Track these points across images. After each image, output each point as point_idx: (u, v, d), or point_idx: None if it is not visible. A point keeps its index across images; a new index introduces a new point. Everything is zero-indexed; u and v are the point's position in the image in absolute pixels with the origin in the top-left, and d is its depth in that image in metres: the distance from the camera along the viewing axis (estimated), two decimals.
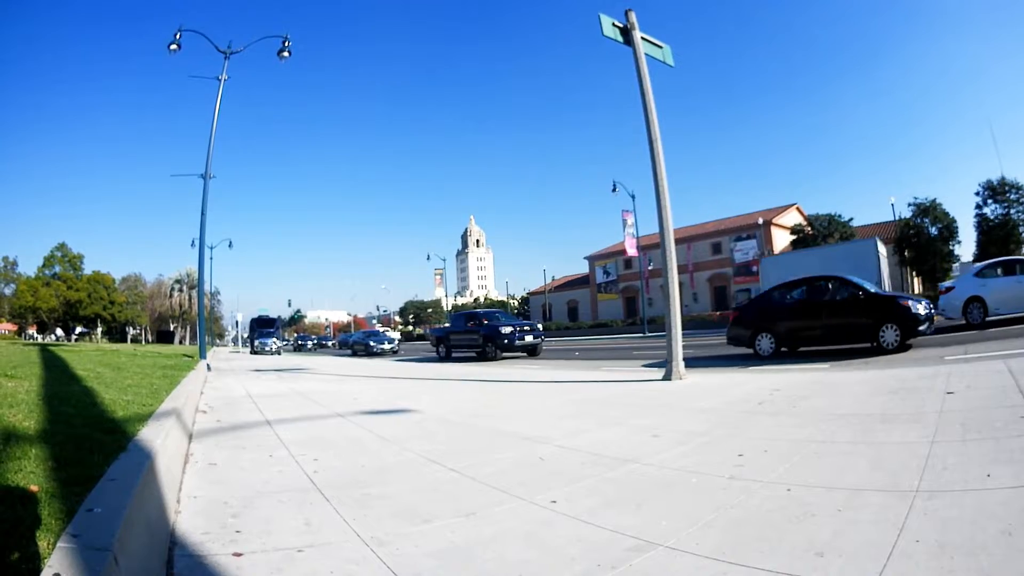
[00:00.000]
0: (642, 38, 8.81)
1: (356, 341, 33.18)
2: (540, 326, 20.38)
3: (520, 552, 2.28)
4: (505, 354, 18.02)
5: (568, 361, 15.56)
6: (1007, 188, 32.08)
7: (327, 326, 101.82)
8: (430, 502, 2.96)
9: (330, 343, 59.01)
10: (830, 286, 11.01)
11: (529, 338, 18.09)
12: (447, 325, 24.60)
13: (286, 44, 16.61)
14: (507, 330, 17.71)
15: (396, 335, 44.12)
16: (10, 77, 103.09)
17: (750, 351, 11.42)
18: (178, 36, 16.15)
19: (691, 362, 8.79)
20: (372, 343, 30.06)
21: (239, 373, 14.37)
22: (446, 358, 19.65)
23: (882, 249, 23.52)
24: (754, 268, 46.25)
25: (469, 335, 18.85)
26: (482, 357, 17.86)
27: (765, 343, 11.08)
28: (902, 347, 9.63)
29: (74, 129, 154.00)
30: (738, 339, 11.80)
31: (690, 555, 2.13)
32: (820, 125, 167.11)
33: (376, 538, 2.45)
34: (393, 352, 29.19)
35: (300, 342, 54.18)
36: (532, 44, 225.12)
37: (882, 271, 21.90)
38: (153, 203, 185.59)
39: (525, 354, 18.27)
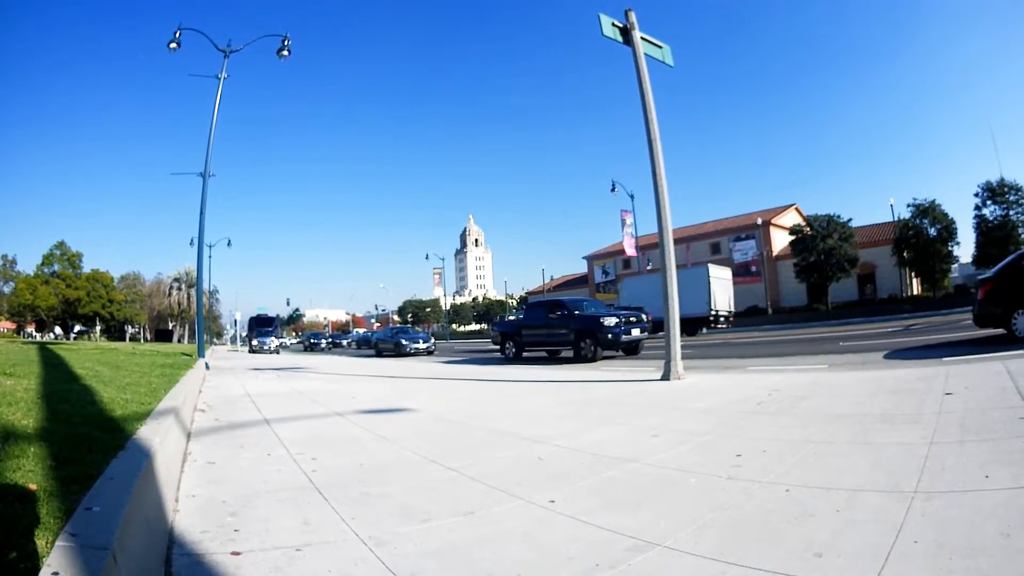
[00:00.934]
0: (642, 38, 8.80)
1: (383, 339, 28.43)
2: (645, 316, 15.80)
3: (519, 552, 2.28)
4: (606, 353, 14.42)
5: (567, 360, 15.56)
6: (1006, 189, 32.06)
7: (326, 325, 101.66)
8: (429, 501, 2.96)
9: (345, 342, 51.29)
10: None
11: (636, 331, 14.50)
12: (514, 318, 20.71)
13: (285, 43, 16.61)
14: (611, 322, 13.93)
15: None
16: (10, 76, 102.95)
17: (1001, 332, 9.40)
18: (178, 35, 16.15)
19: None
20: (404, 341, 25.59)
21: (238, 372, 14.36)
22: (515, 358, 16.09)
23: (719, 273, 28.10)
24: (754, 268, 46.45)
25: (553, 330, 15.10)
26: (576, 357, 14.25)
27: (1022, 322, 8.99)
28: None
29: (73, 127, 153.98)
30: (990, 318, 9.67)
31: (689, 555, 2.14)
32: (820, 126, 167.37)
33: (375, 537, 2.45)
34: (428, 352, 24.98)
35: (312, 341, 47.01)
36: (532, 44, 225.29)
37: (712, 291, 26.18)
38: (152, 202, 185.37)
39: (621, 352, 14.88)
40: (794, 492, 2.75)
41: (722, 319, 26.90)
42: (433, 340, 27.50)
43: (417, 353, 24.49)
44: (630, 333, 14.25)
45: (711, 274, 26.40)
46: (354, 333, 57.15)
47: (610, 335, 13.81)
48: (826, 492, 2.70)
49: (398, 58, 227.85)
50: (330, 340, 49.44)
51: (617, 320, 14.15)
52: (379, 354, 26.71)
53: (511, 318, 23.07)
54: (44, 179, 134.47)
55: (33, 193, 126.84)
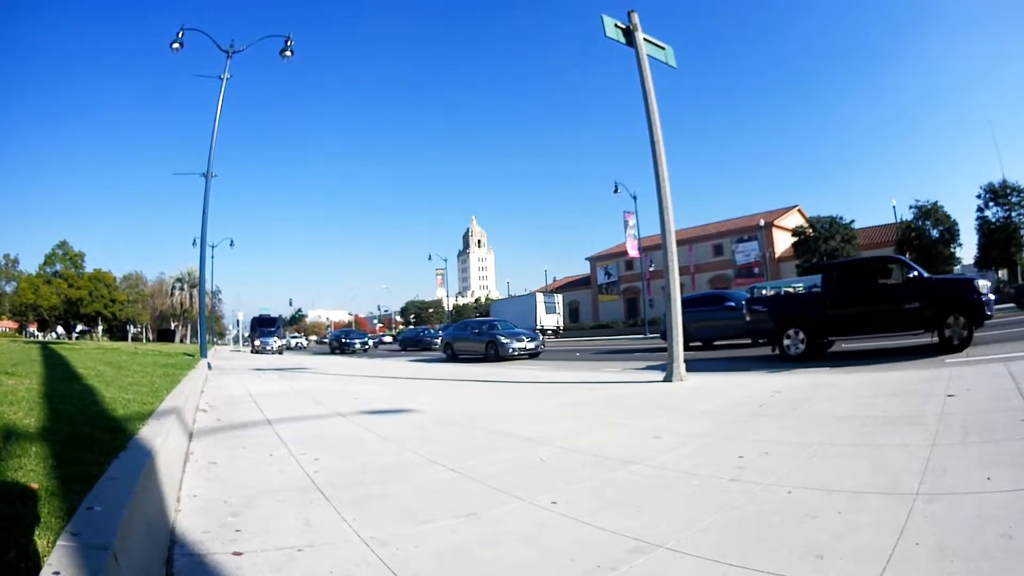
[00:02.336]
0: (644, 39, 8.81)
1: (463, 336, 20.08)
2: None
3: (520, 553, 2.28)
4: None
5: (569, 362, 15.56)
6: (1008, 191, 31.97)
7: (328, 325, 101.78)
8: (430, 502, 2.96)
9: (371, 342, 38.66)
10: None
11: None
12: (775, 292, 15.10)
13: (288, 44, 16.62)
14: (984, 285, 9.45)
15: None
16: (12, 75, 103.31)
17: None
18: (180, 35, 16.17)
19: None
20: (503, 339, 17.65)
21: (240, 372, 14.38)
22: (802, 358, 10.27)
23: (546, 299, 36.82)
24: (756, 270, 46.37)
25: (889, 304, 9.80)
26: (944, 345, 9.16)
27: None
28: None
29: (76, 127, 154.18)
30: None
31: (690, 557, 2.13)
32: (822, 127, 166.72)
33: (376, 538, 2.45)
34: (534, 355, 17.90)
35: (343, 341, 35.33)
36: (535, 45, 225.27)
37: (537, 313, 34.36)
38: (155, 202, 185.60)
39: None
40: (796, 494, 2.74)
41: (548, 332, 35.71)
42: (542, 337, 19.62)
43: (520, 356, 17.53)
44: (991, 307, 9.82)
45: (537, 300, 36.06)
46: (416, 330, 41.47)
47: (987, 310, 9.28)
48: (828, 494, 2.70)
49: (401, 59, 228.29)
50: (364, 340, 36.68)
51: (986, 283, 9.64)
52: (453, 358, 19.72)
53: (766, 292, 16.07)
54: (46, 179, 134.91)
55: (35, 193, 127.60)
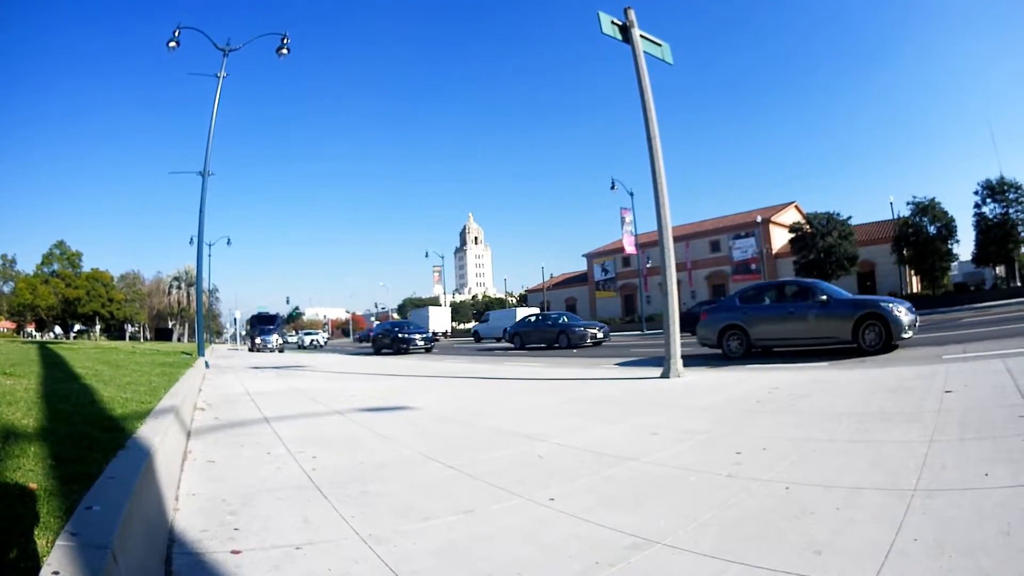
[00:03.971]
0: (641, 36, 8.79)
1: (765, 312, 10.82)
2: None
3: (519, 550, 2.28)
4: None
5: (567, 359, 15.55)
6: (1006, 187, 32.07)
7: (325, 323, 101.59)
8: (429, 500, 2.96)
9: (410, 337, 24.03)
10: None
11: None
12: None
13: (285, 41, 16.58)
14: None
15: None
16: (9, 75, 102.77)
17: None
18: (177, 33, 16.11)
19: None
20: (897, 311, 9.38)
21: (237, 371, 14.35)
22: None
23: (437, 313, 49.02)
24: (753, 266, 46.42)
25: None
26: None
27: None
28: None
29: (73, 126, 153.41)
30: None
31: (688, 553, 2.14)
32: (820, 124, 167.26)
33: (375, 536, 2.45)
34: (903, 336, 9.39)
35: (400, 335, 23.82)
36: (532, 42, 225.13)
37: (430, 321, 44.08)
38: (152, 201, 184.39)
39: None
40: (794, 490, 2.75)
41: (439, 335, 42.66)
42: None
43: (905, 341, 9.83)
44: None
45: (430, 313, 47.68)
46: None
47: None
48: (826, 490, 2.70)
49: (399, 57, 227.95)
50: (428, 335, 24.49)
51: None
52: (745, 352, 11.00)
53: None
54: (44, 178, 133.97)
55: (33, 193, 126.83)
